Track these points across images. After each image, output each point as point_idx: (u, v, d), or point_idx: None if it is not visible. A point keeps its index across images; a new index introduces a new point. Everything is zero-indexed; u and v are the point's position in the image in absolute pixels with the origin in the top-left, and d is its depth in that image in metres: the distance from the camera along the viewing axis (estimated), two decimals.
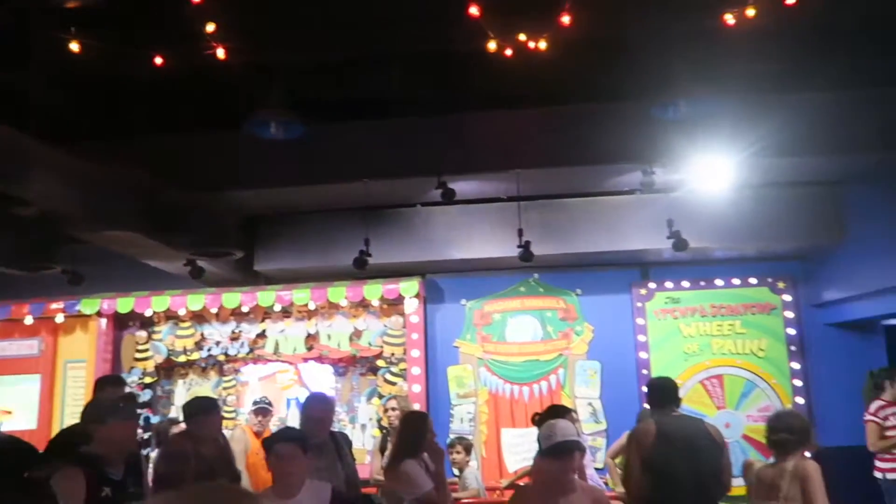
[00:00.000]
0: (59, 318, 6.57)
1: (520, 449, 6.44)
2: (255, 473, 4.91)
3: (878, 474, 5.42)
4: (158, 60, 3.97)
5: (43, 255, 5.19)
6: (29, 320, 6.54)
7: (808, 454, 3.46)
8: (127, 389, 4.86)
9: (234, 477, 4.03)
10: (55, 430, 6.39)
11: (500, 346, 6.70)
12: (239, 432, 5.38)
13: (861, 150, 5.02)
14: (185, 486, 1.00)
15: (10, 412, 6.50)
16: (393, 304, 6.60)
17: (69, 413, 6.46)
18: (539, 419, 4.48)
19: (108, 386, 3.82)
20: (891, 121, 4.81)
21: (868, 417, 5.46)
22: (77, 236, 5.15)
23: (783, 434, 3.37)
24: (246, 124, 4.73)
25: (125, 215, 4.87)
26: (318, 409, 3.80)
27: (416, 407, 5.78)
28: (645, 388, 4.64)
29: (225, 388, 6.68)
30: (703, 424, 4.21)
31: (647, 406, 4.51)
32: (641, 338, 6.63)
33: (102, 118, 5.54)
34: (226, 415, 5.95)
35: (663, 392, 4.33)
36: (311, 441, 3.39)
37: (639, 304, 6.70)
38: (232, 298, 6.40)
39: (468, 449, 5.47)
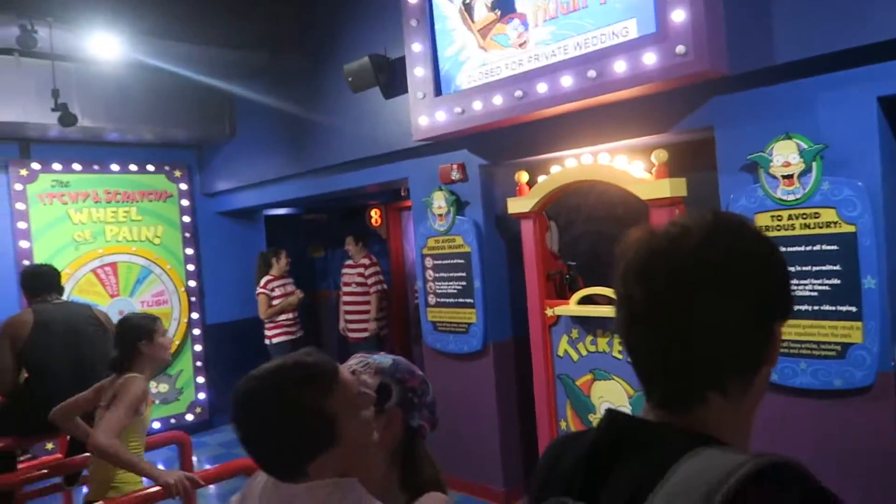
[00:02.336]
0: None
1: None
2: None
3: (266, 341, 6.46)
4: None
5: None
6: None
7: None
8: None
9: None
10: None
11: None
12: None
13: (249, 46, 5.60)
14: None
15: None
16: None
17: None
18: None
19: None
20: (272, 21, 5.51)
21: (259, 290, 6.40)
22: None
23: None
24: None
25: None
26: None
27: None
28: (19, 279, 4.30)
29: None
30: (90, 309, 4.21)
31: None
32: (22, 224, 6.02)
33: None
34: None
35: (41, 279, 4.16)
36: None
37: (18, 187, 6.02)
38: None
39: None
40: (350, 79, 4.88)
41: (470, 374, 4.68)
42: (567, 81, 3.54)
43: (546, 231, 4.21)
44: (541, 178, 4.01)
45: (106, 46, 4.94)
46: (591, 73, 3.41)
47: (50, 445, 5.41)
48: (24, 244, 6.00)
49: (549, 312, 4.01)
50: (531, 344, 4.10)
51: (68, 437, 3.88)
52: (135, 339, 2.93)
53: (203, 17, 5.05)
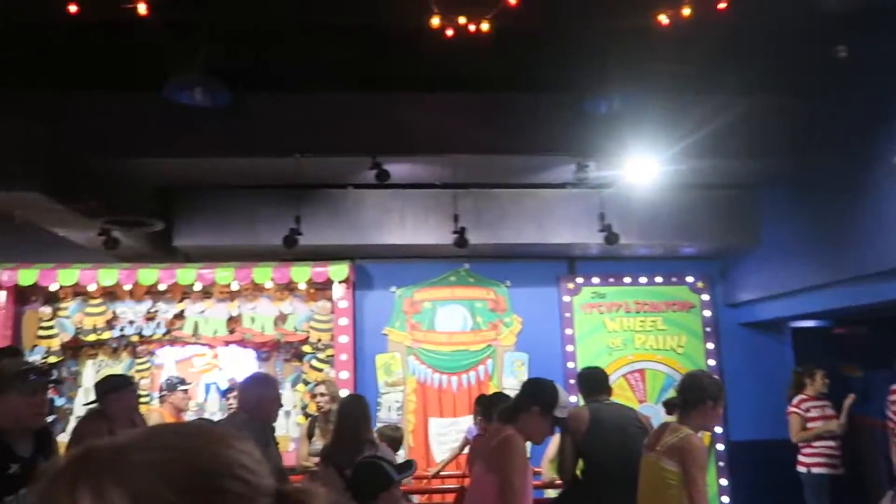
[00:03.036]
0: None
1: (447, 439, 6.71)
2: None
3: (801, 469, 5.91)
4: (73, 8, 3.94)
5: None
6: None
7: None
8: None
9: None
10: None
11: (430, 335, 6.96)
12: (156, 415, 5.39)
13: (774, 154, 5.56)
14: None
15: None
16: (320, 289, 6.72)
17: None
18: (486, 400, 4.81)
19: (2, 357, 3.71)
20: (800, 127, 5.37)
21: (791, 409, 6.01)
22: None
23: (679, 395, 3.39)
24: (167, 87, 4.70)
25: (26, 175, 4.75)
26: (254, 392, 3.75)
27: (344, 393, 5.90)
28: (576, 378, 4.85)
29: (138, 371, 6.63)
30: (634, 412, 4.53)
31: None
32: (568, 331, 7.04)
33: (3, 66, 5.40)
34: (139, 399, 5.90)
35: (595, 380, 4.60)
36: (251, 426, 3.48)
37: (566, 298, 7.11)
38: (148, 275, 6.37)
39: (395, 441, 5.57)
40: None
41: None
42: None
43: None
44: None
45: (642, 172, 5.60)
46: None
47: None
48: (569, 348, 7.01)
49: None
50: None
51: None
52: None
53: (730, 130, 5.26)
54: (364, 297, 6.93)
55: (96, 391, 4.05)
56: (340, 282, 6.56)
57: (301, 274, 6.47)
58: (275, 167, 5.63)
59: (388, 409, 6.78)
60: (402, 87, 5.37)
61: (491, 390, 6.57)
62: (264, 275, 6.45)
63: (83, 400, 6.35)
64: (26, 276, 6.27)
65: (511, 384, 6.84)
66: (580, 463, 4.33)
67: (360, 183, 6.26)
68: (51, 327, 6.53)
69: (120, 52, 5.13)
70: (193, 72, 4.65)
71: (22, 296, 6.51)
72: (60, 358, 6.50)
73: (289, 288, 6.72)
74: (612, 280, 7.20)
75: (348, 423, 4.00)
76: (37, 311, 6.54)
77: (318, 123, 5.36)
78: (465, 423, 6.76)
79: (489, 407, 4.85)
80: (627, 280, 7.20)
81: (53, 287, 6.39)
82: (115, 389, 3.95)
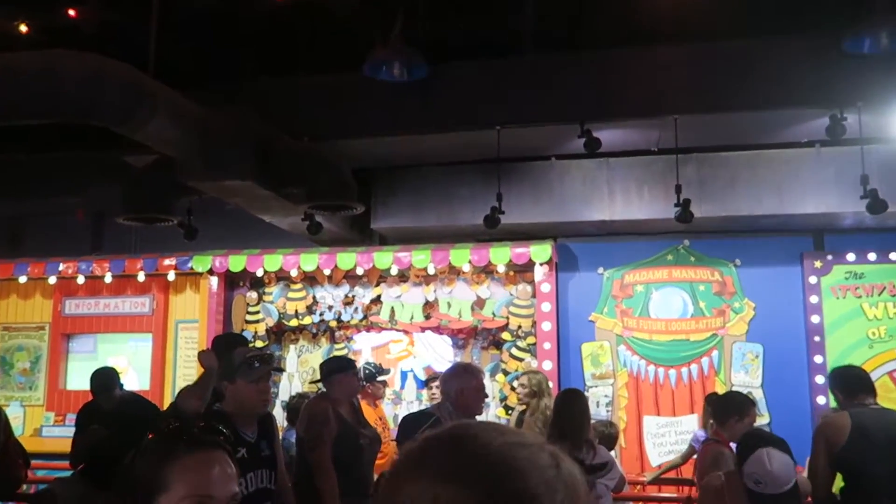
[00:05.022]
0: (171, 276, 6.94)
1: (665, 440, 6.27)
2: None
3: None
4: None
5: (159, 206, 5.45)
6: (141, 277, 6.94)
7: None
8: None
9: (374, 439, 4.11)
10: (168, 392, 6.83)
11: (643, 323, 6.52)
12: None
13: None
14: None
15: (123, 370, 6.95)
16: (521, 271, 6.50)
17: (181, 375, 6.84)
18: (718, 400, 4.36)
19: (237, 345, 3.97)
20: None
21: None
22: (191, 186, 5.35)
23: None
24: (365, 65, 4.74)
25: (239, 163, 4.98)
26: (455, 383, 3.66)
27: (550, 385, 5.64)
28: (830, 377, 4.31)
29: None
30: None
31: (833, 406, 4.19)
32: (815, 318, 6.19)
33: (213, 60, 5.77)
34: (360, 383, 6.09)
35: (856, 380, 4.04)
36: (457, 418, 3.38)
37: (812, 279, 6.26)
38: (347, 259, 6.51)
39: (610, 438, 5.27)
40: None
41: None
42: None
43: None
44: None
45: None
46: None
47: None
48: (816, 339, 6.14)
49: None
50: None
51: None
52: None
53: None
54: (568, 279, 6.62)
55: (322, 371, 4.24)
56: (542, 263, 6.28)
57: (500, 255, 6.27)
58: (473, 141, 5.53)
59: (597, 404, 6.41)
60: (612, 44, 5.11)
61: (717, 386, 6.14)
62: (462, 257, 6.33)
63: (287, 386, 6.68)
64: (236, 262, 6.68)
65: (742, 381, 6.27)
66: (838, 479, 3.82)
67: (564, 153, 5.98)
68: (257, 312, 6.93)
69: (318, 33, 5.27)
70: (390, 46, 4.63)
71: (232, 281, 6.98)
72: (266, 343, 6.88)
73: (487, 271, 6.57)
74: (872, 257, 6.19)
75: (568, 421, 3.82)
76: (244, 296, 6.98)
77: (519, 90, 5.20)
78: (686, 424, 6.26)
79: (723, 408, 4.33)
80: (894, 256, 6.16)
81: (259, 272, 6.75)
82: (342, 370, 4.08)
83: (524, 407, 5.31)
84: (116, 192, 5.60)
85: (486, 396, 3.85)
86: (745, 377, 6.26)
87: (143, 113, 4.30)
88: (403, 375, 6.79)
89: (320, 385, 4.23)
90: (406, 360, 6.82)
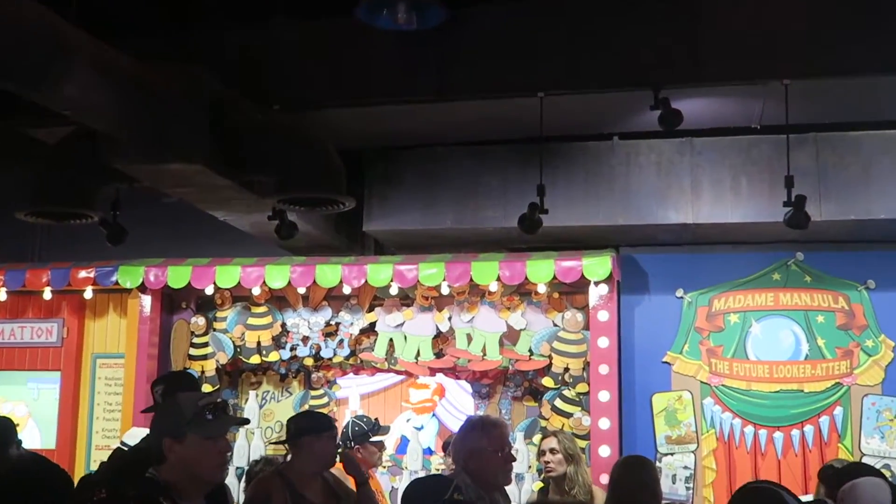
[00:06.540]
0: (88, 293, 7.01)
1: None
2: None
3: None
4: None
5: (74, 197, 5.46)
6: (47, 294, 7.01)
7: None
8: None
9: None
10: (81, 453, 6.87)
11: (739, 366, 6.61)
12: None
13: None
14: None
15: (21, 422, 6.99)
16: (569, 293, 6.59)
17: (100, 429, 6.90)
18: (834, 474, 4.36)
19: (182, 388, 3.96)
20: None
21: None
22: (119, 169, 5.36)
23: None
24: (359, 7, 4.74)
25: (186, 138, 4.97)
26: (464, 444, 3.70)
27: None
28: None
29: (312, 407, 6.86)
30: None
31: None
32: None
33: (155, 4, 5.79)
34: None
35: None
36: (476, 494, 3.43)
37: None
38: (330, 272, 6.56)
39: None
40: None
41: None
42: None
43: None
44: None
45: None
46: None
47: None
48: None
49: None
50: None
51: None
52: None
53: None
54: (635, 305, 6.70)
55: (288, 429, 4.26)
56: (599, 282, 6.34)
57: (541, 270, 6.32)
58: (505, 112, 5.56)
59: (672, 479, 6.52)
60: None
61: (840, 454, 6.22)
62: (488, 272, 6.38)
63: (245, 448, 6.69)
64: (177, 276, 6.74)
65: (876, 448, 6.37)
66: None
67: (630, 131, 5.98)
68: (205, 344, 7.00)
69: None
70: None
71: (171, 302, 7.06)
72: (216, 387, 6.93)
73: (522, 292, 6.63)
74: None
75: (626, 500, 3.93)
76: (188, 321, 7.03)
77: (569, 45, 5.20)
78: None
79: (840, 484, 4.35)
80: None
81: (209, 290, 6.82)
82: (313, 431, 4.09)
83: (551, 474, 5.32)
84: (16, 177, 5.63)
85: (513, 459, 3.83)
86: (881, 444, 6.33)
87: (58, 68, 4.28)
88: (405, 440, 6.80)
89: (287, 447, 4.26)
90: (420, 416, 6.85)
